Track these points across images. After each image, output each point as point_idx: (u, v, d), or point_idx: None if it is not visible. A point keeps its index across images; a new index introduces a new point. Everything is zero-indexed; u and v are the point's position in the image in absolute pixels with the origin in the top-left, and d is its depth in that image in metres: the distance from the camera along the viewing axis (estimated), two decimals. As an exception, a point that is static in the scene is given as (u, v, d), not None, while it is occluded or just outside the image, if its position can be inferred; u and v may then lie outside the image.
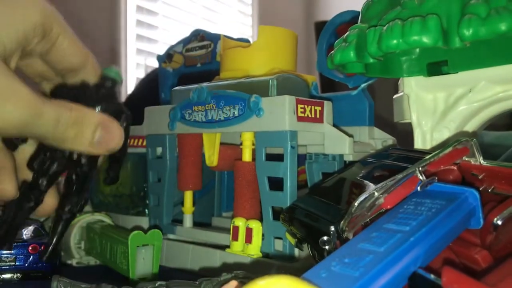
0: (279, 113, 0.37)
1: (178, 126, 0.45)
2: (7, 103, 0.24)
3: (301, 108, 0.38)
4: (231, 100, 0.40)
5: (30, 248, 0.38)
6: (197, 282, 0.29)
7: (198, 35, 0.56)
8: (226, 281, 0.25)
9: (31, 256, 0.38)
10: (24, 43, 0.27)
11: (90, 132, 0.28)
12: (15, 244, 0.38)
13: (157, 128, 0.47)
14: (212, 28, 1.76)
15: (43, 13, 0.27)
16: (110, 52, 1.48)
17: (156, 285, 0.29)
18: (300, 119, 0.37)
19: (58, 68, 0.31)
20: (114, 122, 0.29)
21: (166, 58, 0.59)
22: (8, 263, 0.38)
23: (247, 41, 0.50)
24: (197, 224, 0.47)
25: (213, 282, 0.29)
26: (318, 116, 0.39)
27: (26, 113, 0.24)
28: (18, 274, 0.38)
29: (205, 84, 0.44)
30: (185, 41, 0.57)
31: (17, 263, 0.38)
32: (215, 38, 0.54)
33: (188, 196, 0.46)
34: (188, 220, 0.46)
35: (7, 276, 0.38)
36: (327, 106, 0.40)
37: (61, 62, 0.30)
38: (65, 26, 0.29)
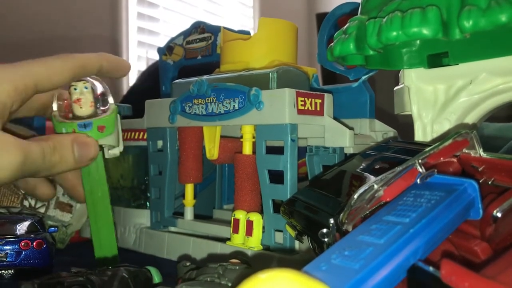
0: (279, 106, 0.37)
1: (178, 119, 0.45)
2: (5, 153, 0.29)
3: (301, 101, 0.38)
4: (231, 93, 0.40)
5: (22, 244, 0.37)
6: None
7: (199, 27, 0.56)
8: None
9: (23, 252, 0.37)
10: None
11: (70, 152, 0.33)
12: (6, 240, 0.37)
13: (157, 121, 0.47)
14: (213, 20, 1.76)
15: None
16: (112, 44, 1.48)
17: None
18: (300, 112, 0.37)
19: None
20: (83, 135, 0.34)
21: (166, 50, 0.59)
22: None
23: (248, 33, 0.50)
24: (198, 216, 0.47)
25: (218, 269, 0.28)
26: (318, 108, 0.39)
27: (22, 155, 0.29)
28: (9, 270, 0.37)
29: (205, 77, 0.44)
30: (186, 34, 0.57)
31: (8, 259, 0.37)
32: (215, 30, 0.54)
33: (189, 189, 0.46)
34: (189, 213, 0.46)
35: None
36: (328, 98, 0.40)
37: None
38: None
